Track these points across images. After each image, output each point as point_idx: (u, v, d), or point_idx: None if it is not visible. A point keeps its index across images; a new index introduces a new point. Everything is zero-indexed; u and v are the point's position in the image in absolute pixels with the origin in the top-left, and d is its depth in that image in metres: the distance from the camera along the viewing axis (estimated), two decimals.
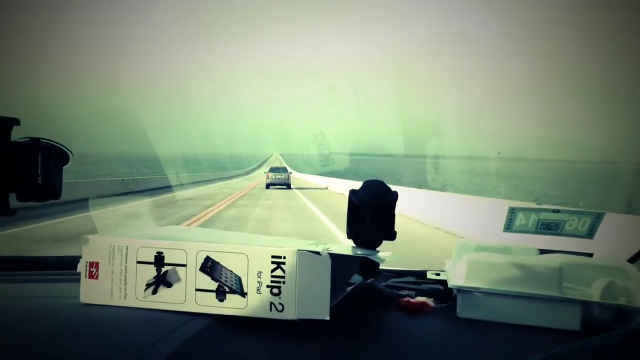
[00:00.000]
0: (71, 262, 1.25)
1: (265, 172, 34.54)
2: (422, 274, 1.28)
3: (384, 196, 1.10)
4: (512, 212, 1.15)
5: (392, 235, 1.11)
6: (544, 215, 1.13)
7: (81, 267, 0.94)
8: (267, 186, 31.63)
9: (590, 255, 1.20)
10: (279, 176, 32.58)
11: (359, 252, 1.01)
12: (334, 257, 0.88)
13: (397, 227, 1.10)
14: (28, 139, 0.90)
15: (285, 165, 39.38)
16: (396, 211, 1.10)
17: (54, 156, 0.91)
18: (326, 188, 33.45)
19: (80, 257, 0.97)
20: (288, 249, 0.87)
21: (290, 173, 34.60)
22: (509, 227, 1.17)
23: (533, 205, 1.17)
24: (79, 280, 0.95)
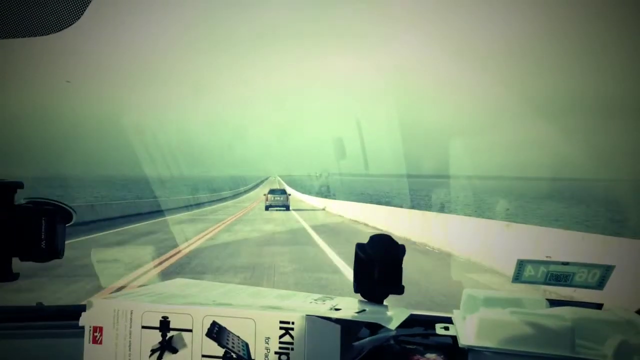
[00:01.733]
0: (72, 312, 1.23)
1: (264, 194, 34.87)
2: (430, 323, 1.26)
3: (391, 250, 1.09)
4: (521, 264, 1.13)
5: (399, 290, 1.10)
6: (553, 268, 1.12)
7: (85, 326, 0.93)
8: (267, 208, 31.84)
9: (600, 305, 1.18)
10: (278, 198, 32.96)
11: (367, 309, 0.99)
12: (343, 320, 0.86)
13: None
14: (31, 203, 0.89)
15: (284, 187, 39.43)
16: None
17: (57, 218, 0.90)
18: (323, 209, 33.53)
19: (81, 305, 0.96)
20: (296, 314, 0.85)
21: (289, 195, 34.87)
22: (517, 278, 1.15)
23: (542, 258, 1.16)
24: (81, 335, 0.93)
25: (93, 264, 8.40)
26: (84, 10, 0.67)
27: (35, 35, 0.71)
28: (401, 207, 22.58)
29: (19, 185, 0.86)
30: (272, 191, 34.63)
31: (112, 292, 1.51)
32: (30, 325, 1.31)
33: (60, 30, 0.70)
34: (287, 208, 32.19)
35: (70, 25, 0.69)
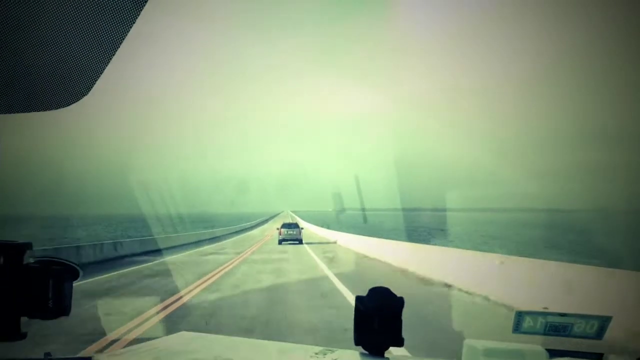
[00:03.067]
0: None
1: (277, 229, 34.69)
2: None
3: (390, 302, 1.10)
4: (520, 315, 1.15)
5: (399, 341, 1.11)
6: (551, 319, 1.13)
7: None
8: (280, 242, 31.59)
9: (601, 355, 1.19)
10: (291, 232, 32.65)
11: None
12: None
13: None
14: (39, 262, 0.92)
15: (297, 221, 39.14)
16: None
17: (64, 276, 0.92)
18: (335, 242, 33.30)
19: (87, 358, 0.97)
20: None
21: (302, 229, 34.61)
22: (517, 329, 1.17)
23: (540, 309, 1.17)
24: None
25: (96, 312, 8.17)
26: (94, 83, 0.72)
27: (48, 109, 0.75)
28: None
29: (29, 246, 0.89)
30: (285, 225, 34.30)
31: (113, 345, 1.51)
32: None
33: (71, 104, 0.74)
34: (300, 242, 31.90)
35: (80, 99, 0.74)
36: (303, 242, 31.59)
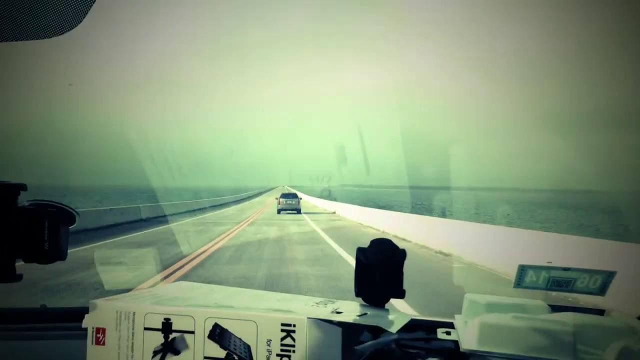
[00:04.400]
0: (76, 314, 1.23)
1: (276, 198, 35.27)
2: (432, 328, 1.26)
3: (392, 254, 1.09)
4: (523, 269, 1.13)
5: (401, 293, 1.10)
6: (555, 273, 1.12)
7: (88, 327, 0.93)
8: (279, 211, 32.12)
9: (602, 311, 1.18)
10: (290, 202, 33.31)
11: (368, 312, 0.99)
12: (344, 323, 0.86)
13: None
14: (34, 204, 0.90)
15: (295, 191, 39.51)
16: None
17: (60, 220, 0.90)
18: (334, 213, 33.74)
19: (84, 308, 0.96)
20: (298, 317, 0.85)
21: (300, 199, 35.08)
22: (519, 283, 1.15)
23: (543, 263, 1.16)
24: (84, 337, 0.93)
25: (97, 269, 8.36)
26: (86, 13, 0.68)
27: (38, 38, 0.71)
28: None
29: (22, 187, 0.87)
30: (284, 195, 34.91)
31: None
32: (34, 327, 1.31)
33: (63, 33, 0.71)
34: (299, 212, 32.46)
35: (72, 28, 0.70)
36: (302, 212, 32.06)
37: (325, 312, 0.92)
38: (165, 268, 9.59)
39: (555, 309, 1.19)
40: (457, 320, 1.18)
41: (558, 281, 1.14)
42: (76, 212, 0.98)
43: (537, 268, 1.13)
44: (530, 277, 1.14)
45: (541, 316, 1.10)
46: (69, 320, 1.32)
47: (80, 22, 0.69)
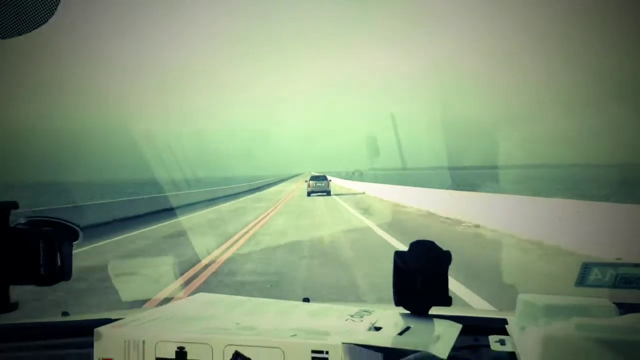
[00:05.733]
0: (82, 328, 1.15)
1: (305, 181, 35.54)
2: (482, 330, 1.12)
3: (435, 257, 0.96)
4: (586, 267, 0.99)
5: (447, 301, 0.97)
6: (623, 270, 0.97)
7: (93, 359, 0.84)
8: (309, 194, 32.29)
9: None
10: (320, 184, 33.54)
11: (412, 326, 0.87)
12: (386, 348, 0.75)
13: None
14: (30, 222, 0.80)
15: (324, 174, 39.21)
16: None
17: (58, 238, 0.80)
18: (363, 193, 33.89)
19: (94, 321, 0.87)
20: (331, 342, 0.73)
21: (330, 181, 35.16)
22: (581, 282, 1.01)
23: (610, 260, 1.02)
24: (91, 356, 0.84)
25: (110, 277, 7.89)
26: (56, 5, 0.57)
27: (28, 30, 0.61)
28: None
29: (13, 205, 0.77)
30: (313, 177, 35.21)
31: (129, 310, 1.43)
32: (36, 346, 1.23)
33: (36, 28, 0.60)
34: (329, 193, 32.64)
35: (45, 22, 0.59)
36: (331, 193, 32.16)
37: (362, 329, 0.81)
38: None
39: (622, 307, 1.05)
40: (511, 325, 1.04)
41: (627, 278, 1.00)
42: (79, 227, 0.88)
43: (604, 265, 0.99)
44: (594, 275, 1.00)
45: (609, 321, 0.95)
46: (76, 335, 1.23)
47: (52, 16, 0.58)
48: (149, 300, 5.87)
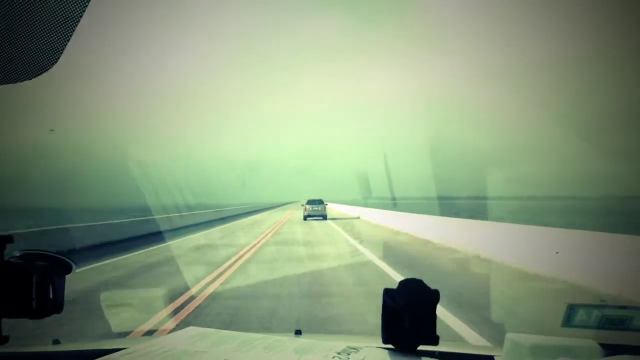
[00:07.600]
0: (74, 359, 1.14)
1: (302, 205, 35.56)
2: None
3: (423, 295, 0.97)
4: (572, 308, 1.01)
5: (434, 340, 0.98)
6: (609, 312, 0.99)
7: None
8: (305, 218, 32.21)
9: None
10: (316, 208, 33.48)
11: None
12: None
13: None
14: (24, 256, 0.81)
15: (320, 198, 39.06)
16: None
17: (50, 272, 0.81)
18: (358, 217, 33.83)
19: (88, 351, 0.87)
20: None
21: (326, 205, 35.14)
22: (567, 322, 1.03)
23: (595, 302, 1.04)
24: None
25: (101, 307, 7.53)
26: (62, 51, 0.60)
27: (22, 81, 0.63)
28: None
29: (8, 239, 0.78)
30: (310, 202, 35.08)
31: (117, 339, 1.42)
32: None
33: (40, 74, 0.63)
34: (325, 217, 32.52)
35: (48, 69, 0.62)
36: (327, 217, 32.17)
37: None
38: None
39: (606, 348, 1.06)
40: None
41: (612, 320, 1.02)
42: (72, 261, 0.89)
43: (589, 307, 1.00)
44: (580, 316, 1.02)
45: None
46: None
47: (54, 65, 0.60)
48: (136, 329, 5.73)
